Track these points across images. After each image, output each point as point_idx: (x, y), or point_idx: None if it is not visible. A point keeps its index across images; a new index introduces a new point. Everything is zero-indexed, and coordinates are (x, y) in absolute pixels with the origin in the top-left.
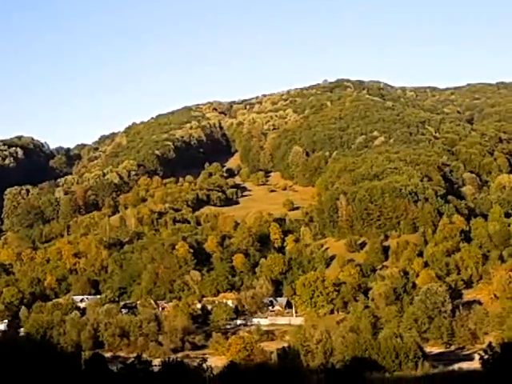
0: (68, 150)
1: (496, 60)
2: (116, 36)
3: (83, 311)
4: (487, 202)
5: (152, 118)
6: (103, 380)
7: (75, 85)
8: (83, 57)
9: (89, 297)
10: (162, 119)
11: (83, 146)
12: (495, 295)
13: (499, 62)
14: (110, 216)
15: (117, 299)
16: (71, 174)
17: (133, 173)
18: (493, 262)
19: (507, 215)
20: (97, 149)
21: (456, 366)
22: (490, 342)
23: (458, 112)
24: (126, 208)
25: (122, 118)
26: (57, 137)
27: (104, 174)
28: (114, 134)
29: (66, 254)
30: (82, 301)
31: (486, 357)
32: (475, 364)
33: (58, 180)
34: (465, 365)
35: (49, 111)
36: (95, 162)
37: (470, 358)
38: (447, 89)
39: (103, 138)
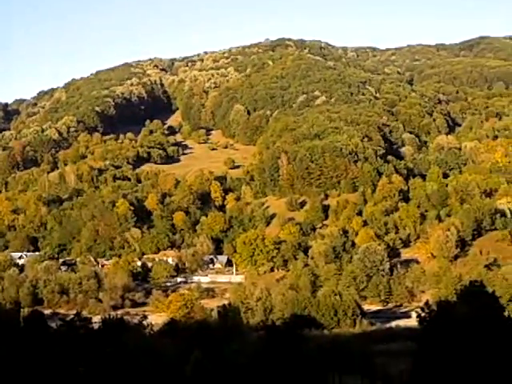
0: (6, 105)
1: (436, 22)
2: None
3: (22, 268)
4: (426, 162)
5: (92, 74)
6: (42, 337)
7: (13, 38)
8: (22, 9)
9: (27, 253)
10: (103, 75)
11: (22, 101)
12: (432, 254)
13: (439, 24)
14: (48, 172)
15: (56, 256)
16: (9, 129)
17: (72, 129)
18: (430, 221)
19: (445, 175)
20: (35, 104)
21: (393, 324)
22: (427, 300)
23: (399, 73)
24: (65, 165)
25: (61, 74)
26: None
27: (43, 130)
28: (53, 90)
29: (4, 210)
30: (20, 258)
31: (422, 314)
32: (412, 321)
33: None
34: (402, 322)
35: None
36: (34, 117)
37: (406, 315)
38: (388, 49)
39: (42, 94)
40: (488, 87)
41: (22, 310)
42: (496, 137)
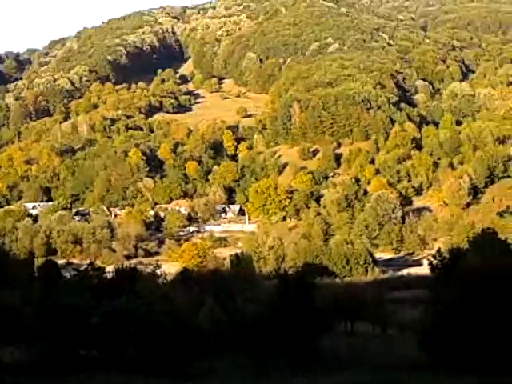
0: (17, 54)
1: None
2: None
3: (35, 218)
4: (439, 109)
5: (103, 22)
6: (56, 286)
7: None
8: None
9: (41, 204)
10: (114, 24)
11: (33, 50)
12: (444, 202)
13: None
14: (61, 122)
15: (69, 206)
16: (21, 79)
17: (84, 78)
18: (443, 169)
19: (458, 123)
20: (47, 54)
21: (405, 272)
22: (439, 248)
23: (412, 19)
24: (77, 114)
25: (73, 23)
26: (5, 41)
27: (55, 80)
28: (64, 39)
29: (17, 160)
30: (34, 208)
31: (434, 262)
32: (424, 269)
33: (8, 85)
34: (414, 270)
35: None
36: (46, 67)
37: (418, 263)
38: None
39: (53, 43)
40: (502, 33)
41: (36, 259)
42: (510, 83)
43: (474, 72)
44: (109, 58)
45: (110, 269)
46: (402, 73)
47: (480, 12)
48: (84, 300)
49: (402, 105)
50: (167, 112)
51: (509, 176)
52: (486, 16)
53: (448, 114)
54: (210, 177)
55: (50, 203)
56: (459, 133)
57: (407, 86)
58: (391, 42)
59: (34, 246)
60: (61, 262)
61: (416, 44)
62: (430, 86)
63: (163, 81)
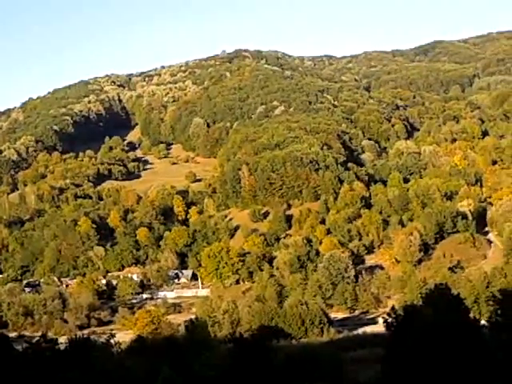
0: None
1: (391, 28)
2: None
3: None
4: (386, 168)
5: (49, 92)
6: (8, 360)
7: None
8: None
9: None
10: (59, 93)
11: None
12: (396, 259)
13: (394, 30)
14: (8, 194)
15: (19, 278)
16: None
17: (31, 149)
18: (393, 226)
19: (405, 180)
20: None
21: (360, 331)
22: (393, 305)
23: (356, 80)
24: (25, 185)
25: (18, 94)
26: None
27: (1, 151)
28: (9, 110)
29: None
30: None
31: (389, 320)
32: (379, 327)
33: None
34: (369, 329)
35: None
36: None
37: (373, 321)
38: (344, 57)
39: None
40: (444, 91)
41: None
42: (454, 140)
43: (418, 130)
44: (55, 127)
45: (62, 340)
46: (348, 133)
47: (421, 71)
48: (37, 373)
49: (350, 164)
50: (116, 179)
51: (458, 231)
52: (427, 75)
53: (395, 171)
54: (161, 243)
55: (0, 276)
56: (407, 190)
57: (354, 145)
58: (336, 103)
59: None
60: (12, 334)
61: (360, 104)
62: (377, 145)
63: (111, 148)
